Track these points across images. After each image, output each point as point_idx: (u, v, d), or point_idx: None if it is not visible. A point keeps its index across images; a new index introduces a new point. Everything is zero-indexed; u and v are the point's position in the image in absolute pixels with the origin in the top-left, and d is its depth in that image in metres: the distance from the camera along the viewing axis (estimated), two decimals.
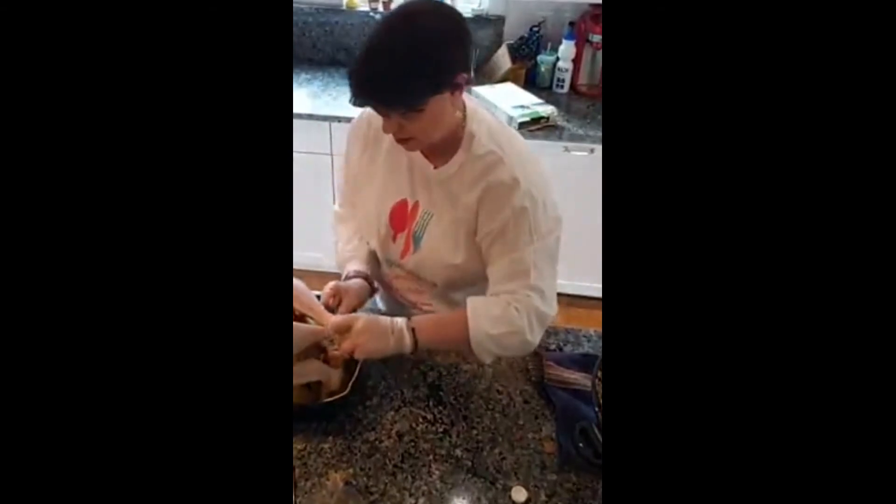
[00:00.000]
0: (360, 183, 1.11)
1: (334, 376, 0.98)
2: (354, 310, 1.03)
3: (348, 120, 2.12)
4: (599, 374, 0.96)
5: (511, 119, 2.08)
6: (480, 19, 2.51)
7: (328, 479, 0.88)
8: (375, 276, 1.18)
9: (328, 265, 2.32)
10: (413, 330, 0.96)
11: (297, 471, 0.89)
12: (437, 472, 0.90)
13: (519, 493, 0.87)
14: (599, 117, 2.22)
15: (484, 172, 0.95)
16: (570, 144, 2.13)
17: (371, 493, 0.87)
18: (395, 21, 0.85)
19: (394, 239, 1.08)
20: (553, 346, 1.15)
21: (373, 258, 1.15)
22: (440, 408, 1.01)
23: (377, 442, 0.95)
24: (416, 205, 1.04)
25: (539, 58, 2.44)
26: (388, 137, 0.94)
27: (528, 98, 2.23)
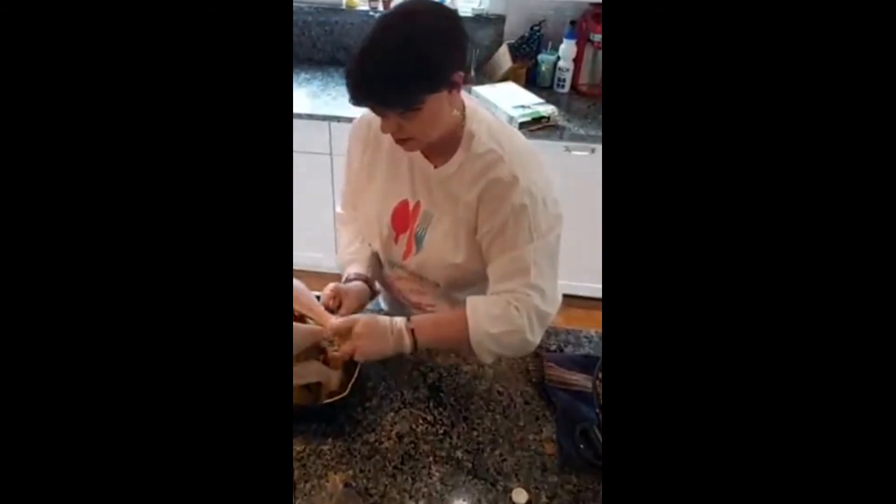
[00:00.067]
0: (361, 184, 1.11)
1: (334, 377, 0.98)
2: (354, 312, 1.03)
3: (348, 120, 2.13)
4: (600, 375, 0.95)
5: (512, 119, 2.07)
6: (481, 18, 2.50)
7: (328, 481, 0.88)
8: (378, 277, 1.18)
9: (328, 265, 2.33)
10: (412, 331, 0.96)
11: (296, 472, 0.89)
12: (437, 474, 0.90)
13: (520, 495, 0.86)
14: (600, 117, 2.21)
15: (484, 171, 0.95)
16: (570, 144, 2.13)
17: (371, 495, 0.86)
18: (390, 21, 0.85)
19: (396, 240, 1.08)
20: (553, 347, 1.14)
21: (374, 261, 1.15)
22: (440, 409, 1.01)
23: (377, 443, 0.94)
24: (417, 205, 1.04)
25: (540, 57, 2.44)
26: (389, 138, 0.94)
27: (529, 98, 2.22)
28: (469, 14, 2.50)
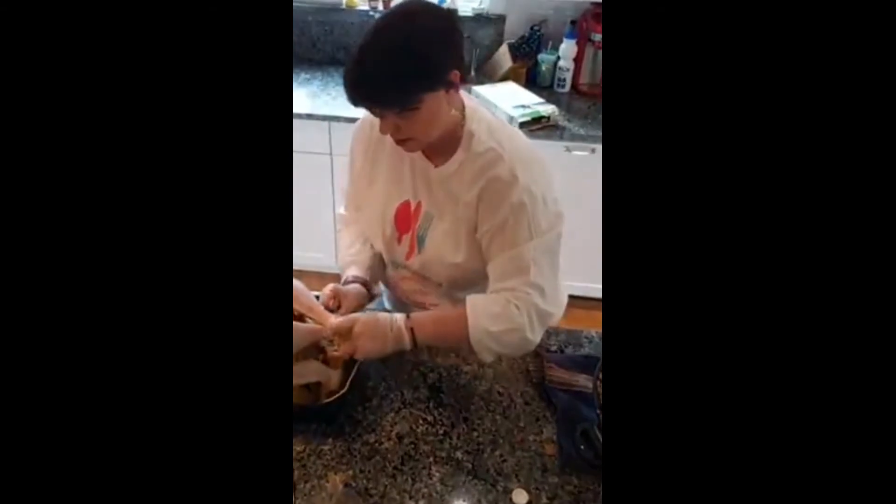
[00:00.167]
0: (363, 185, 1.11)
1: (334, 377, 0.98)
2: (353, 313, 1.03)
3: (348, 120, 2.13)
4: (600, 375, 0.95)
5: (512, 118, 2.07)
6: (481, 18, 2.50)
7: (328, 481, 0.88)
8: (380, 278, 1.19)
9: (328, 265, 2.33)
10: (412, 329, 0.96)
11: (296, 472, 0.89)
12: (437, 475, 0.90)
13: (520, 496, 0.86)
14: (600, 117, 2.21)
15: (483, 169, 0.95)
16: (570, 144, 2.13)
17: (371, 496, 0.86)
18: (387, 21, 0.86)
19: (399, 240, 1.08)
20: (554, 348, 1.14)
21: (374, 264, 1.15)
22: (441, 410, 1.01)
23: (377, 444, 0.94)
24: (418, 205, 1.04)
25: (540, 57, 2.44)
26: (391, 139, 0.94)
27: (529, 97, 2.22)
28: (469, 14, 2.50)
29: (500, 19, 2.50)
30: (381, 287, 1.28)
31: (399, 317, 0.97)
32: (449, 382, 1.06)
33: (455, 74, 0.88)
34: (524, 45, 2.47)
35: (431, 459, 0.92)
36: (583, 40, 2.35)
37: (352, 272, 1.11)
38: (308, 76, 2.49)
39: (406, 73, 0.83)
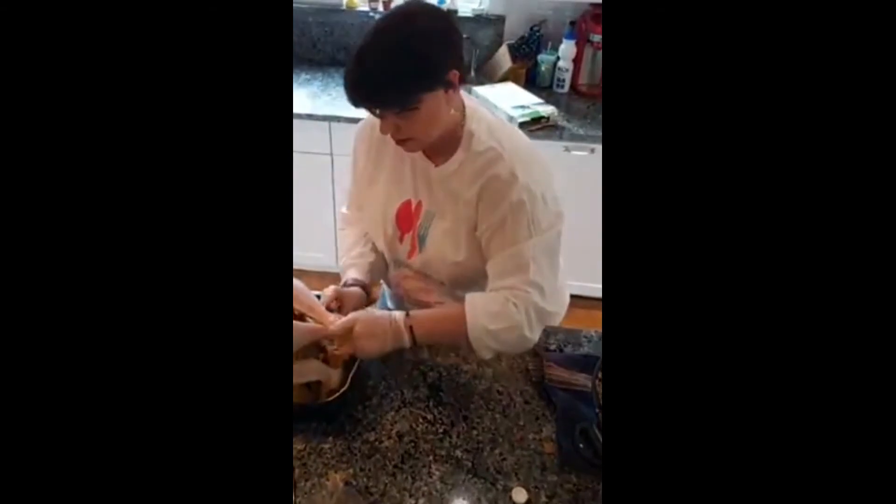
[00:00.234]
0: (366, 185, 1.12)
1: (334, 376, 0.98)
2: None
3: (348, 120, 2.13)
4: (600, 374, 0.95)
5: (511, 119, 2.08)
6: (481, 19, 2.51)
7: (328, 480, 0.88)
8: (384, 279, 1.20)
9: (328, 265, 2.33)
10: (411, 327, 0.96)
11: (297, 471, 0.89)
12: (437, 473, 0.90)
13: (519, 494, 0.86)
14: (600, 117, 2.22)
15: (483, 168, 0.95)
16: (570, 144, 2.13)
17: (371, 494, 0.87)
18: (386, 22, 0.87)
19: (401, 239, 1.09)
20: (553, 347, 1.15)
21: (374, 268, 1.15)
22: (440, 408, 1.01)
23: (377, 442, 0.94)
24: (419, 204, 1.05)
25: (539, 57, 2.44)
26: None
27: (529, 98, 2.23)
28: (469, 14, 2.50)
29: (500, 20, 2.51)
30: (384, 286, 1.29)
31: (398, 315, 0.97)
32: (449, 381, 1.06)
33: (454, 74, 0.88)
34: (524, 46, 2.47)
35: (431, 458, 0.92)
36: (582, 41, 2.36)
37: (352, 275, 1.11)
38: (308, 77, 2.49)
39: (405, 73, 0.84)
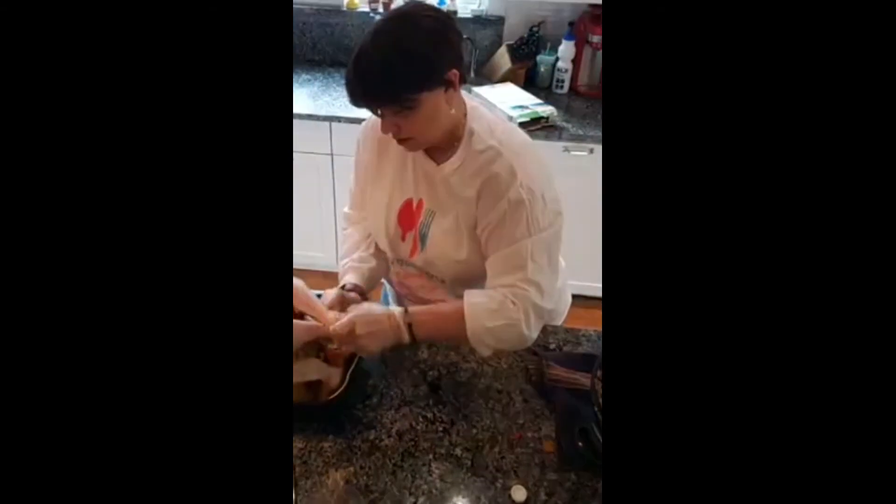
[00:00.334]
0: (368, 184, 1.12)
1: (334, 375, 0.98)
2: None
3: (348, 120, 2.13)
4: (599, 374, 0.96)
5: (511, 119, 2.08)
6: (480, 20, 2.51)
7: (328, 478, 0.89)
8: (385, 277, 1.21)
9: (328, 265, 2.33)
10: (409, 325, 0.97)
11: (297, 469, 0.90)
12: (437, 471, 0.90)
13: (518, 493, 0.87)
14: (599, 117, 2.22)
15: (483, 167, 0.96)
16: (569, 144, 2.13)
17: (371, 492, 0.87)
18: (384, 23, 0.88)
19: (402, 238, 1.09)
20: (553, 346, 1.15)
21: (372, 275, 1.15)
22: (440, 407, 1.01)
23: (377, 441, 0.95)
24: (420, 203, 1.05)
25: (538, 58, 2.45)
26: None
27: (528, 98, 2.23)
28: (468, 15, 2.51)
29: (499, 21, 2.51)
30: (385, 285, 1.29)
31: (397, 312, 0.98)
32: (448, 380, 1.06)
33: (454, 74, 0.89)
34: (523, 47, 2.47)
35: (431, 456, 0.92)
36: (581, 42, 2.36)
37: (350, 279, 1.11)
38: (309, 77, 2.49)
39: (404, 72, 0.84)
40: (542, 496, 0.87)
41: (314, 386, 0.99)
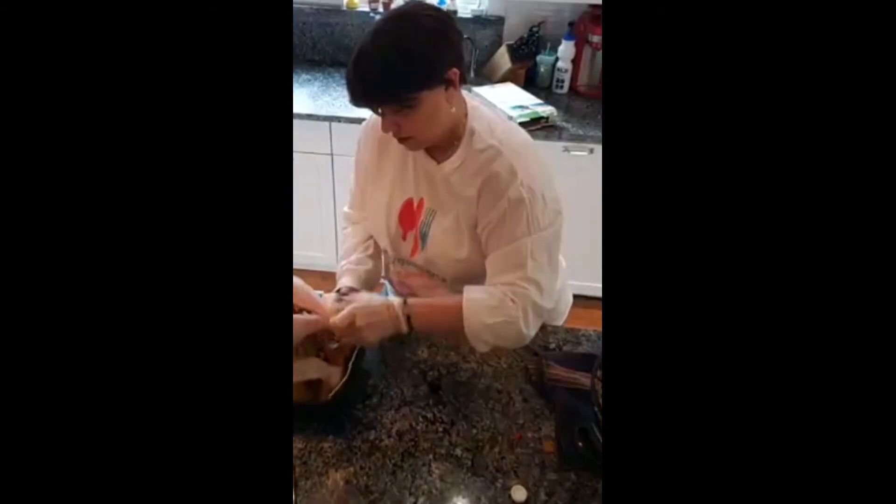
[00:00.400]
0: (369, 184, 1.12)
1: (334, 374, 0.98)
2: None
3: (348, 120, 2.13)
4: (599, 373, 0.96)
5: (511, 119, 2.08)
6: (480, 20, 2.51)
7: (328, 478, 0.89)
8: (386, 276, 1.21)
9: (328, 265, 2.33)
10: (408, 316, 0.97)
11: (297, 470, 0.90)
12: (437, 471, 0.90)
13: (519, 493, 0.87)
14: (599, 117, 2.22)
15: (484, 166, 0.96)
16: (569, 144, 2.13)
17: (371, 492, 0.87)
18: (384, 22, 0.88)
19: (403, 238, 1.09)
20: (553, 346, 1.15)
21: (369, 277, 1.15)
22: (440, 407, 1.01)
23: (377, 441, 0.95)
24: (420, 202, 1.05)
25: (538, 58, 2.45)
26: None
27: (528, 98, 2.23)
28: (468, 15, 2.51)
29: (499, 21, 2.51)
30: (386, 284, 1.29)
31: (396, 302, 0.98)
32: (448, 380, 1.06)
33: (454, 72, 0.89)
34: (523, 47, 2.47)
35: (431, 456, 0.92)
36: (581, 42, 2.36)
37: (346, 282, 1.12)
38: (309, 77, 2.49)
39: (403, 71, 0.84)
40: (542, 496, 0.87)
41: (314, 385, 0.99)
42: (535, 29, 2.45)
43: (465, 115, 0.99)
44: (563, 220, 1.02)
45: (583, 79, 2.45)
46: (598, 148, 2.11)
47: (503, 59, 2.45)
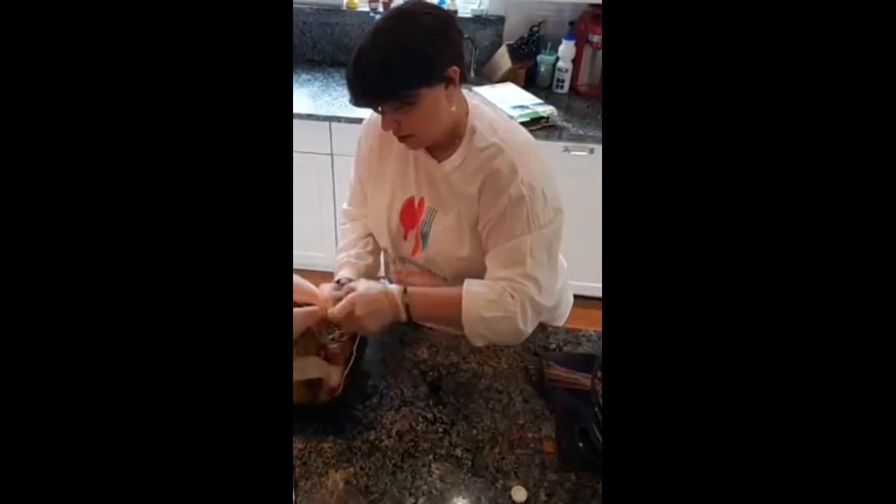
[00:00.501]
0: (370, 182, 1.13)
1: (334, 374, 0.98)
2: None
3: (348, 120, 2.13)
4: (599, 374, 0.96)
5: (511, 119, 2.08)
6: (480, 19, 2.51)
7: (328, 479, 0.89)
8: (386, 275, 1.21)
9: (328, 265, 2.32)
10: (407, 305, 0.97)
11: (297, 470, 0.90)
12: (437, 472, 0.90)
13: (519, 493, 0.87)
14: (599, 117, 2.22)
15: (485, 164, 0.96)
16: (569, 144, 2.13)
17: (371, 493, 0.87)
18: (384, 21, 0.88)
19: (404, 237, 1.09)
20: (553, 346, 1.15)
21: (368, 272, 1.15)
22: (440, 407, 1.01)
23: (377, 441, 0.95)
24: (421, 201, 1.05)
25: (539, 58, 2.45)
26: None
27: (528, 98, 2.23)
28: (468, 15, 2.51)
29: (500, 21, 2.51)
30: (385, 283, 1.29)
31: (395, 290, 0.98)
32: (449, 380, 1.06)
33: (454, 71, 0.89)
34: (523, 47, 2.47)
35: (431, 457, 0.92)
36: (581, 41, 2.36)
37: (345, 273, 1.12)
38: (309, 77, 2.49)
39: (402, 67, 0.85)
40: (543, 497, 0.87)
41: (314, 385, 0.99)
42: (535, 29, 2.45)
43: (466, 113, 0.99)
44: (564, 220, 1.02)
45: (583, 79, 2.45)
46: (598, 148, 2.11)
47: (503, 58, 2.45)
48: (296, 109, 2.18)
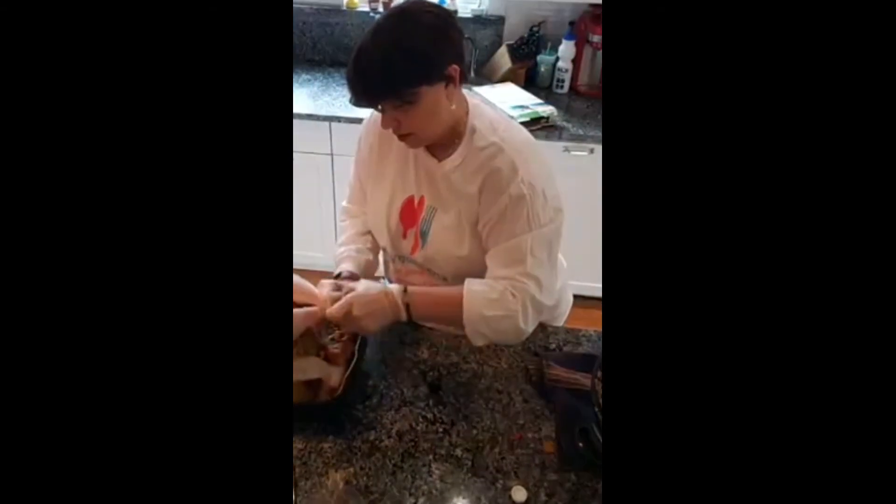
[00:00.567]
0: (370, 181, 1.13)
1: (335, 374, 0.98)
2: None
3: (348, 120, 2.13)
4: (599, 374, 0.96)
5: (511, 119, 2.08)
6: (480, 19, 2.51)
7: (328, 479, 0.89)
8: (386, 274, 1.22)
9: (328, 265, 2.32)
10: (407, 305, 0.97)
11: (297, 470, 0.90)
12: (437, 472, 0.90)
13: (519, 493, 0.87)
14: (599, 117, 2.22)
15: (485, 163, 0.96)
16: (569, 144, 2.13)
17: (371, 493, 0.87)
18: (384, 20, 0.88)
19: (404, 235, 1.10)
20: (553, 346, 1.15)
21: (367, 267, 1.16)
22: (440, 407, 1.01)
23: (377, 441, 0.95)
24: (421, 200, 1.05)
25: (539, 58, 2.45)
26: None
27: (528, 98, 2.23)
28: (468, 15, 2.51)
29: (500, 21, 2.51)
30: (385, 282, 1.29)
31: (395, 290, 0.98)
32: (449, 380, 1.06)
33: (454, 69, 0.89)
34: (523, 47, 2.47)
35: (431, 457, 0.92)
36: (581, 41, 2.36)
37: (346, 266, 1.12)
38: (309, 77, 2.49)
39: (402, 66, 0.85)
40: (543, 497, 0.87)
41: (314, 385, 0.99)
42: (535, 29, 2.45)
43: (466, 112, 0.99)
44: (564, 219, 1.02)
45: (583, 79, 2.45)
46: (598, 148, 2.11)
47: (503, 58, 2.45)
48: (296, 109, 2.18)
